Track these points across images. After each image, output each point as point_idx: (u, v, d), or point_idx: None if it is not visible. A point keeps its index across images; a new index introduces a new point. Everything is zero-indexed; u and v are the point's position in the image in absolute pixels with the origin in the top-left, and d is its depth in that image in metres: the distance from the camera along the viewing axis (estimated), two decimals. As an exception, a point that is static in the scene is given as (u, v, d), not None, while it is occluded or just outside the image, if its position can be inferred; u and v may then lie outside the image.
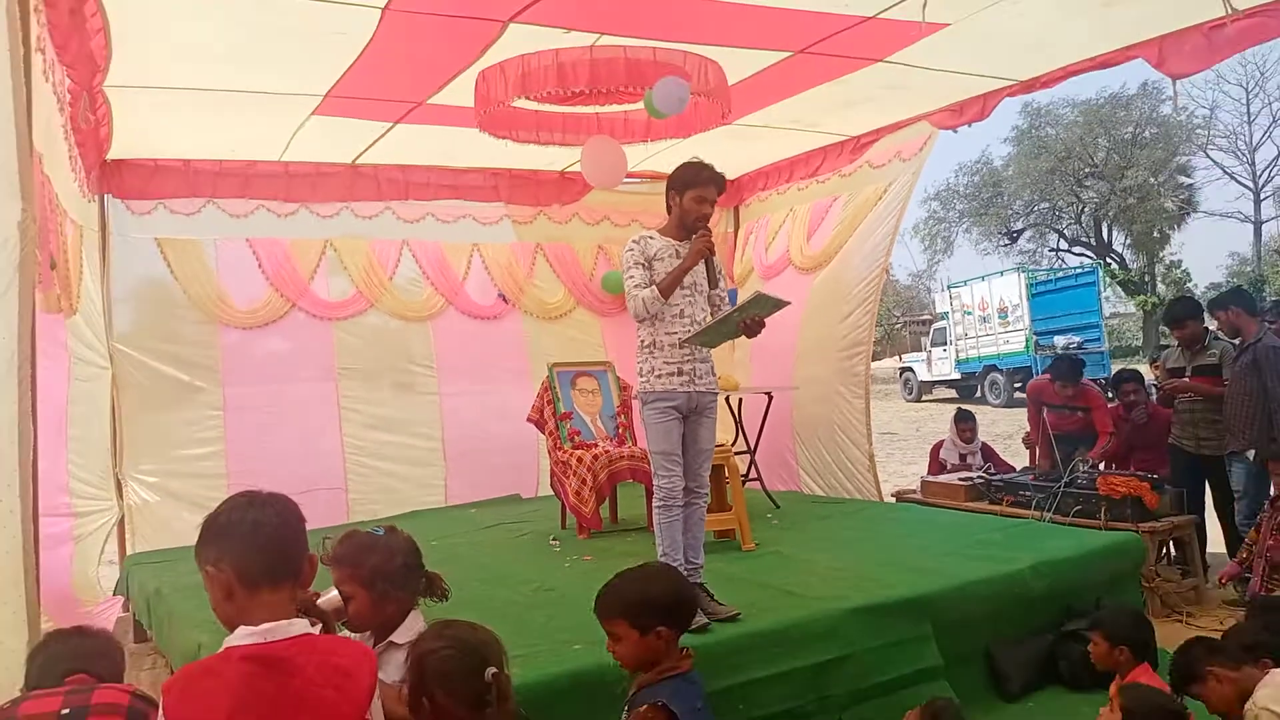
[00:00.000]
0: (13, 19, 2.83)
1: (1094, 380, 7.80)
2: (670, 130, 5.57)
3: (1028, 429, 7.46)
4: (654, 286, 3.86)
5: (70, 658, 2.24)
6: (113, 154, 6.23)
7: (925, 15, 4.46)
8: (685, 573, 3.78)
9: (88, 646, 2.34)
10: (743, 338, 4.01)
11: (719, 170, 4.06)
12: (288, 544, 1.87)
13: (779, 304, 3.90)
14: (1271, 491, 5.17)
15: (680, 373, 3.89)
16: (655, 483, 3.96)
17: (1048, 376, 7.06)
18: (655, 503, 3.96)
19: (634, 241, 3.98)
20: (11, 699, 2.00)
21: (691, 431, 3.98)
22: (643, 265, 3.91)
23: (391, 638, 2.52)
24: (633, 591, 2.68)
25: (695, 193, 3.94)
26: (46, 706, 1.91)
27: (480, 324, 7.87)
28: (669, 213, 4.07)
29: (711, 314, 4.03)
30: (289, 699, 1.72)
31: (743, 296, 4.93)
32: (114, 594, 6.14)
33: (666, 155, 7.45)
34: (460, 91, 5.27)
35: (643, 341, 3.98)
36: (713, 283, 4.06)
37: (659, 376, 3.91)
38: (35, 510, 2.89)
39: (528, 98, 5.01)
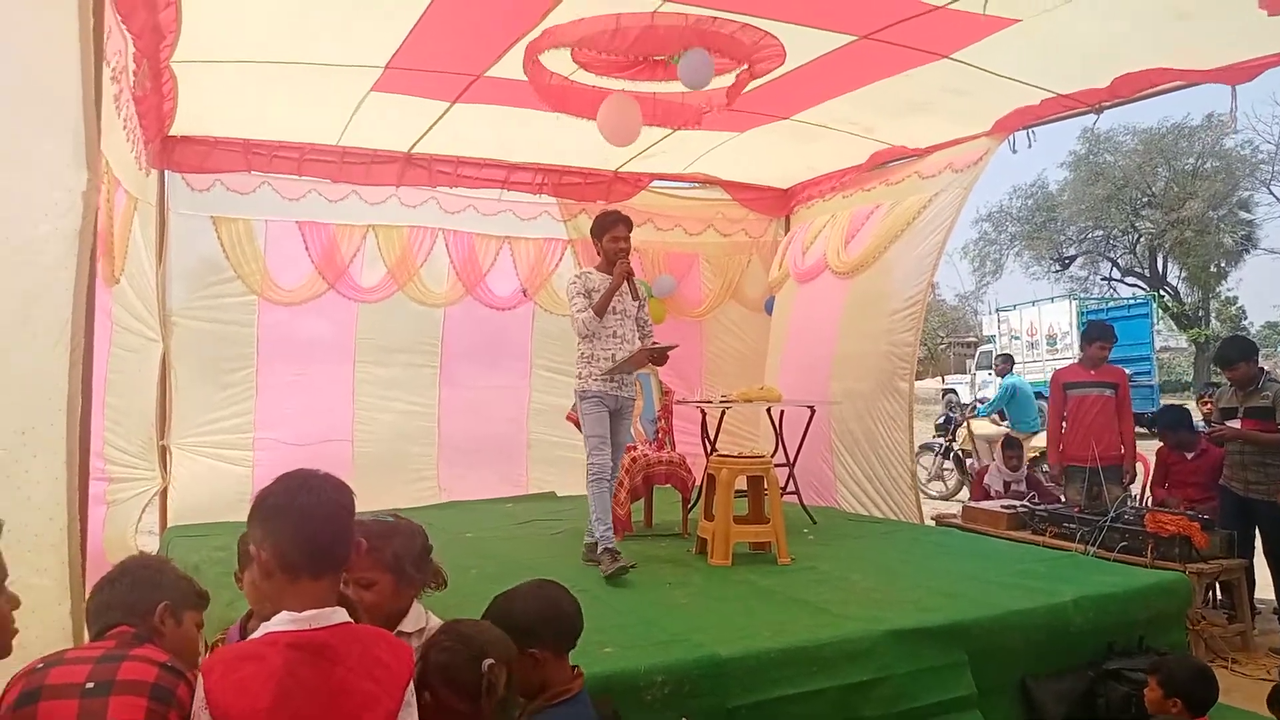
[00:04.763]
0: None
1: (1141, 414, 7.60)
2: (725, 122, 5.54)
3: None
4: (590, 310, 4.98)
5: (111, 608, 2.14)
6: (174, 130, 6.31)
7: (990, 9, 4.43)
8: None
9: (130, 594, 2.18)
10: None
11: (625, 213, 5.29)
12: (334, 535, 1.85)
13: (670, 346, 5.15)
14: None
15: (611, 379, 5.06)
16: (589, 460, 4.98)
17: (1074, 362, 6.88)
18: (589, 478, 4.96)
19: (576, 278, 5.17)
20: (46, 657, 1.94)
21: (613, 428, 5.09)
22: (584, 295, 5.05)
23: (401, 626, 2.48)
24: (498, 611, 2.54)
25: (610, 234, 5.11)
26: (73, 676, 1.84)
27: (491, 312, 7.96)
28: (598, 254, 5.24)
29: (639, 330, 5.24)
30: (330, 687, 1.71)
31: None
32: (153, 564, 6.22)
33: (715, 156, 7.44)
34: (519, 64, 5.26)
35: (582, 354, 5.12)
36: (636, 297, 5.23)
37: (594, 380, 5.05)
38: (84, 482, 2.88)
39: (580, 63, 5.08)
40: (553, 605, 2.58)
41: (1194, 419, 6.85)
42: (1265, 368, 6.03)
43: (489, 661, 2.13)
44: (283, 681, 1.68)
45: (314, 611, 1.76)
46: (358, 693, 1.74)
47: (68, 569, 2.80)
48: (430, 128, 6.55)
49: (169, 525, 6.53)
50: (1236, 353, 5.85)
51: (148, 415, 6.42)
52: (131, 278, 5.49)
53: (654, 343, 5.26)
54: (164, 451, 6.65)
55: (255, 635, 1.80)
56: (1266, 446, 5.53)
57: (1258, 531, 5.70)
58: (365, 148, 6.98)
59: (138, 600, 2.13)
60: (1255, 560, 5.66)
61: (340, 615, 1.81)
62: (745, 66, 5.28)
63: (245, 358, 7.03)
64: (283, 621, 1.76)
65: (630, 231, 5.17)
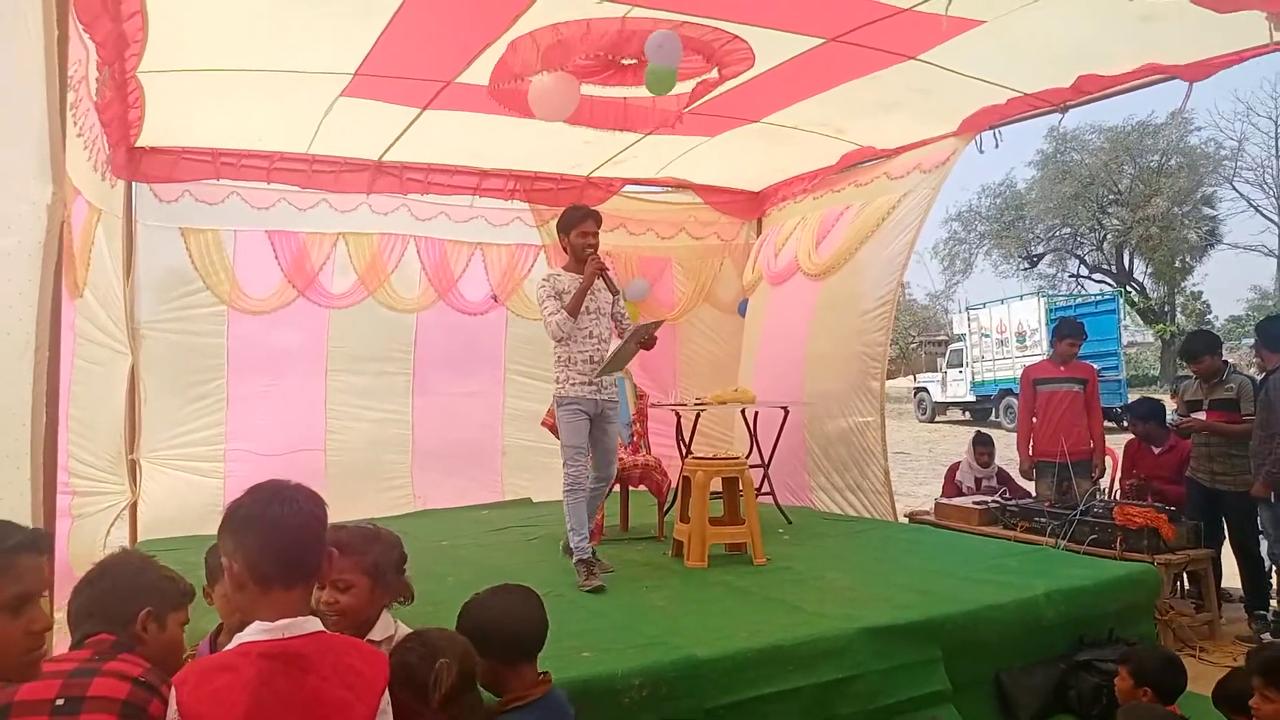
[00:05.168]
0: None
1: (1109, 408, 7.69)
2: (696, 126, 5.52)
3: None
4: (563, 311, 4.77)
5: (91, 615, 2.11)
6: (142, 141, 6.25)
7: (956, 10, 4.47)
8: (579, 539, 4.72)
9: (110, 598, 2.16)
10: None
11: (594, 208, 5.16)
12: (306, 546, 1.83)
13: (657, 324, 4.96)
14: None
15: (590, 383, 4.84)
16: (565, 470, 4.79)
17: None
18: (564, 488, 4.78)
19: (545, 280, 4.97)
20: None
21: (599, 432, 4.95)
22: (554, 297, 4.85)
23: (370, 635, 2.49)
24: (465, 614, 2.59)
25: (579, 229, 4.92)
26: (45, 692, 1.81)
27: (464, 318, 7.96)
28: (565, 252, 5.03)
29: (615, 327, 5.01)
30: (305, 697, 1.71)
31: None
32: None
33: (687, 160, 7.48)
34: (489, 71, 5.24)
35: (559, 357, 4.90)
36: (614, 291, 5.02)
37: (573, 385, 4.85)
38: (50, 497, 2.84)
39: (549, 69, 5.05)
40: (500, 619, 2.58)
41: (1168, 411, 6.93)
42: (1229, 360, 6.14)
43: (442, 660, 2.15)
44: (256, 692, 1.67)
45: (287, 620, 1.75)
46: (332, 701, 1.73)
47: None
48: (400, 135, 6.51)
49: (139, 539, 6.45)
50: (1201, 346, 5.96)
51: (116, 428, 6.34)
52: (96, 289, 5.41)
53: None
54: (133, 465, 6.58)
55: (228, 647, 1.79)
56: (1232, 437, 5.64)
57: (1224, 522, 5.80)
58: (335, 155, 6.93)
59: (118, 606, 2.10)
60: (1222, 550, 5.76)
61: (314, 624, 1.80)
62: (714, 73, 5.31)
63: (215, 369, 6.98)
64: (255, 631, 1.75)
65: (599, 227, 5.01)
